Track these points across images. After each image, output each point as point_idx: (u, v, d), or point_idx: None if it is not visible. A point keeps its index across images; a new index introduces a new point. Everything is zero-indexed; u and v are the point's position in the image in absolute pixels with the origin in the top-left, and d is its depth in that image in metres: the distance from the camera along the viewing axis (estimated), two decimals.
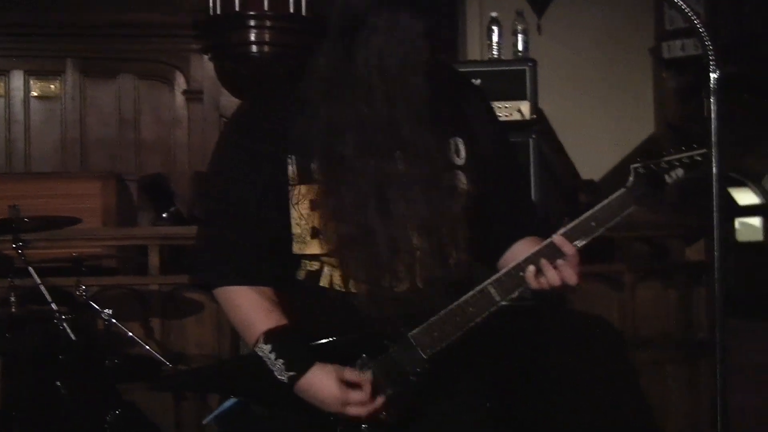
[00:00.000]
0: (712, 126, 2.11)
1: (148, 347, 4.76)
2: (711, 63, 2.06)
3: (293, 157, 2.32)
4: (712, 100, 2.10)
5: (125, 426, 4.64)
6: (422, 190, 2.28)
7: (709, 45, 2.05)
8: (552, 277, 2.30)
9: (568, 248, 2.30)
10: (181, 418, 5.08)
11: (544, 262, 2.29)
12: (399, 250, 2.28)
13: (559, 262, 2.30)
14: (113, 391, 4.64)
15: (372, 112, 2.25)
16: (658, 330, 5.82)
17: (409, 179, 2.28)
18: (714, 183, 2.13)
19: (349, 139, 2.27)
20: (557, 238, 2.30)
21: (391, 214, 2.26)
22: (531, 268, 2.30)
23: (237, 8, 7.51)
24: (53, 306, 4.52)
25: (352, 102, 2.27)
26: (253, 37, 7.53)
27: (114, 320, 4.60)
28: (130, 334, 4.69)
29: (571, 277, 2.31)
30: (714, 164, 2.12)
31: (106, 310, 4.59)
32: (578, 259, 2.32)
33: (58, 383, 4.51)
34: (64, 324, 4.50)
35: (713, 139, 2.12)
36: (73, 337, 4.49)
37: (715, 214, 2.14)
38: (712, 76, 2.07)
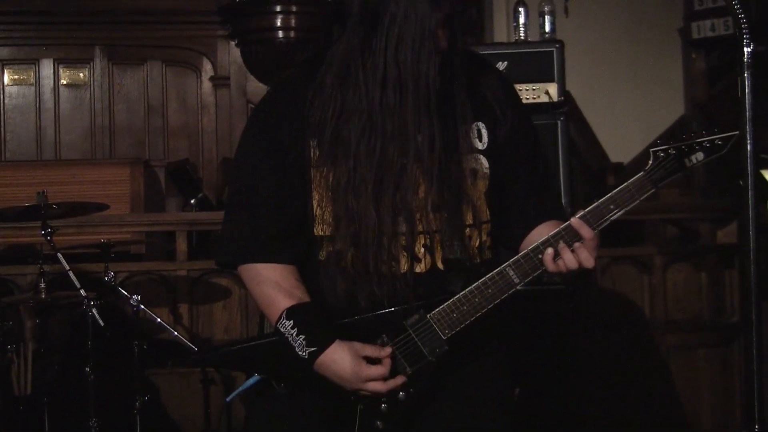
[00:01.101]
0: (746, 101, 2.07)
1: (176, 333, 4.78)
2: (745, 37, 2.03)
3: (315, 140, 2.34)
4: (746, 75, 2.06)
5: (154, 411, 4.66)
6: (428, 176, 2.30)
7: (742, 18, 2.01)
8: (569, 259, 2.30)
9: (585, 231, 2.30)
10: (210, 403, 5.08)
11: (561, 245, 2.30)
12: (397, 232, 2.30)
13: (577, 245, 2.30)
14: (142, 377, 4.65)
15: (383, 99, 2.27)
16: (689, 313, 5.78)
17: (416, 166, 2.30)
18: (748, 160, 2.10)
19: (356, 123, 2.29)
20: (575, 221, 2.30)
21: (389, 198, 2.29)
22: (549, 250, 2.30)
23: None
24: (82, 292, 4.54)
25: (366, 88, 2.29)
26: (279, 23, 7.51)
27: (142, 306, 4.62)
28: (159, 319, 4.71)
29: (588, 260, 2.30)
30: (749, 140, 2.09)
31: (135, 296, 4.61)
32: (596, 242, 2.32)
33: (87, 369, 4.53)
34: (93, 310, 4.52)
35: (747, 115, 2.08)
36: (101, 322, 4.51)
37: (749, 192, 2.10)
38: (746, 50, 2.03)
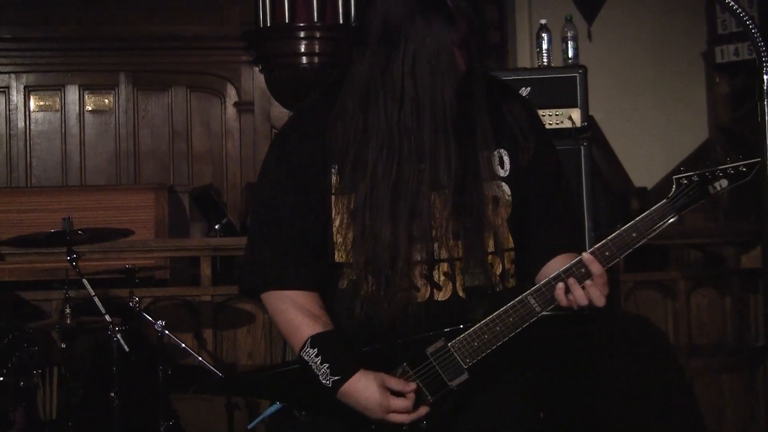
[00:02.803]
0: (766, 129, 2.07)
1: (200, 358, 4.79)
2: (764, 63, 2.03)
3: (335, 166, 2.35)
4: (765, 103, 2.06)
5: None
6: (448, 201, 2.29)
7: (762, 46, 2.02)
8: (579, 296, 2.28)
9: (595, 268, 2.27)
10: (234, 428, 5.09)
11: (572, 281, 2.27)
12: (418, 260, 2.30)
13: (588, 282, 2.27)
14: (166, 402, 4.67)
15: (400, 118, 2.27)
16: (714, 338, 5.76)
17: (433, 188, 2.29)
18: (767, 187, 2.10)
19: (374, 144, 2.29)
20: (586, 256, 2.27)
21: (405, 218, 2.28)
22: (560, 285, 2.28)
23: (287, 20, 7.54)
24: (107, 317, 4.56)
25: (385, 109, 2.29)
26: (303, 48, 7.56)
27: (167, 331, 4.63)
28: (183, 345, 4.72)
29: (599, 299, 2.28)
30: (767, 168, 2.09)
31: (159, 321, 4.62)
32: (606, 278, 2.28)
33: (112, 393, 4.55)
34: (118, 335, 4.54)
35: (767, 142, 2.08)
36: (126, 347, 4.53)
37: None
38: (765, 77, 2.04)
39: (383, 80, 2.29)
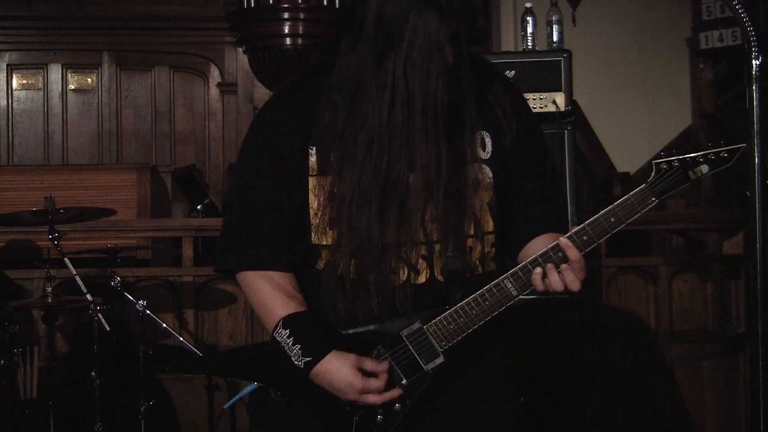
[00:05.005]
0: (754, 114, 2.07)
1: (181, 338, 4.78)
2: (753, 49, 2.03)
3: (314, 148, 2.34)
4: (754, 88, 2.06)
5: (158, 416, 4.67)
6: (432, 193, 2.28)
7: (750, 30, 2.01)
8: (555, 281, 2.25)
9: (572, 253, 2.25)
10: (214, 408, 5.08)
11: (549, 265, 2.26)
12: (400, 243, 2.28)
13: (563, 266, 2.25)
14: (147, 382, 4.66)
15: (390, 117, 2.26)
16: (695, 324, 5.78)
17: (420, 181, 2.28)
18: (756, 173, 2.09)
19: (363, 140, 2.28)
20: (563, 241, 2.25)
21: (394, 214, 2.27)
22: (537, 269, 2.26)
23: (271, 1, 7.51)
24: (88, 297, 4.54)
25: (375, 106, 2.27)
26: (286, 30, 7.52)
27: (148, 311, 4.62)
28: (164, 325, 4.71)
29: (574, 283, 2.25)
30: (756, 153, 2.08)
31: (140, 301, 4.61)
32: (583, 264, 2.26)
33: (93, 373, 4.54)
34: (99, 314, 4.52)
35: (755, 127, 2.07)
36: (107, 327, 4.51)
37: (756, 205, 2.10)
38: (754, 62, 2.03)
39: (375, 76, 2.27)
